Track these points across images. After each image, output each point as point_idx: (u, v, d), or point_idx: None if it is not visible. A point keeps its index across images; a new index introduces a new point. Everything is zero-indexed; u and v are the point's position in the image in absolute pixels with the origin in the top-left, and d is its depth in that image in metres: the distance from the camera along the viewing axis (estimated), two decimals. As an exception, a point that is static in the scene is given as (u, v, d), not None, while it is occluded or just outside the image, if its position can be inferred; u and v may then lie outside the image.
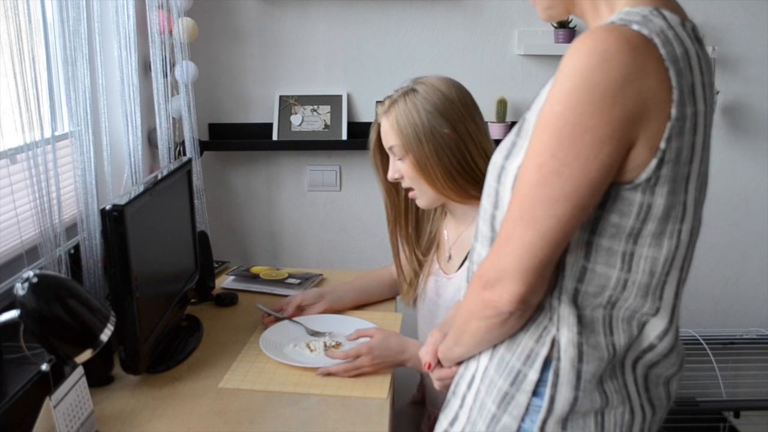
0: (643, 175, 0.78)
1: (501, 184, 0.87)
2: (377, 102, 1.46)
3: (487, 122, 2.26)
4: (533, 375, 0.86)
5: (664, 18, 0.78)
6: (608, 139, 0.75)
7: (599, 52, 0.74)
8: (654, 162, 0.77)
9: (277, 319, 1.53)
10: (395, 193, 1.52)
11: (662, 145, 0.76)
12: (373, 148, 1.49)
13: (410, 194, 1.44)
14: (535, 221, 0.79)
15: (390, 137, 1.39)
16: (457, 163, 1.35)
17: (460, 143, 1.34)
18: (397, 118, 1.36)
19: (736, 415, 2.30)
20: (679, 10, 0.82)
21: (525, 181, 0.80)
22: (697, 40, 0.80)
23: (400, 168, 1.40)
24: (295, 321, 1.52)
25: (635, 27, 0.76)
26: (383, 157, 1.48)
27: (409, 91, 1.38)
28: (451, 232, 1.50)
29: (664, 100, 0.75)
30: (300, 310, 1.56)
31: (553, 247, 0.80)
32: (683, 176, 0.80)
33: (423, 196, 1.42)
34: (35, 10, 1.42)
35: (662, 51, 0.75)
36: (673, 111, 0.76)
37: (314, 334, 1.47)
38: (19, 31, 1.18)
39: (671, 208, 0.80)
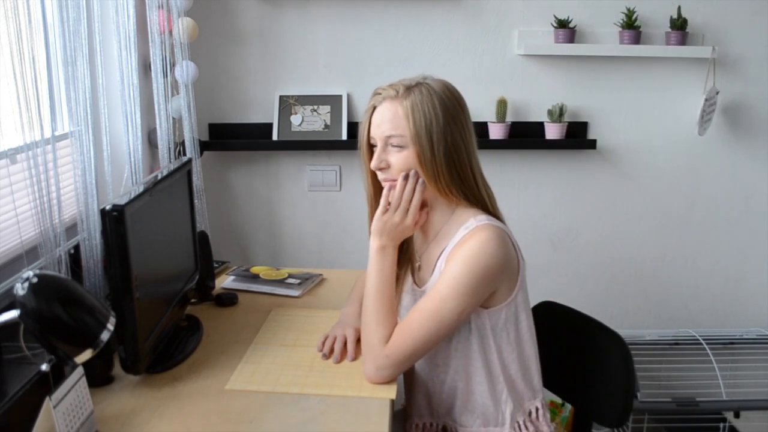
0: None
1: None
2: (377, 90, 1.35)
3: (486, 122, 2.28)
4: None
5: None
6: None
7: None
8: None
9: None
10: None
11: None
12: (366, 137, 1.36)
13: (389, 185, 1.35)
14: None
15: (396, 125, 1.29)
16: (454, 164, 1.30)
17: (461, 145, 1.30)
18: (413, 107, 1.28)
19: (736, 415, 2.30)
20: None
21: None
22: None
23: (390, 159, 1.32)
24: None
25: None
26: (370, 147, 1.37)
27: (422, 84, 1.30)
28: (417, 241, 1.48)
29: None
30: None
31: None
32: None
33: None
34: (35, 10, 1.42)
35: None
36: None
37: None
38: (19, 31, 1.18)
39: None
